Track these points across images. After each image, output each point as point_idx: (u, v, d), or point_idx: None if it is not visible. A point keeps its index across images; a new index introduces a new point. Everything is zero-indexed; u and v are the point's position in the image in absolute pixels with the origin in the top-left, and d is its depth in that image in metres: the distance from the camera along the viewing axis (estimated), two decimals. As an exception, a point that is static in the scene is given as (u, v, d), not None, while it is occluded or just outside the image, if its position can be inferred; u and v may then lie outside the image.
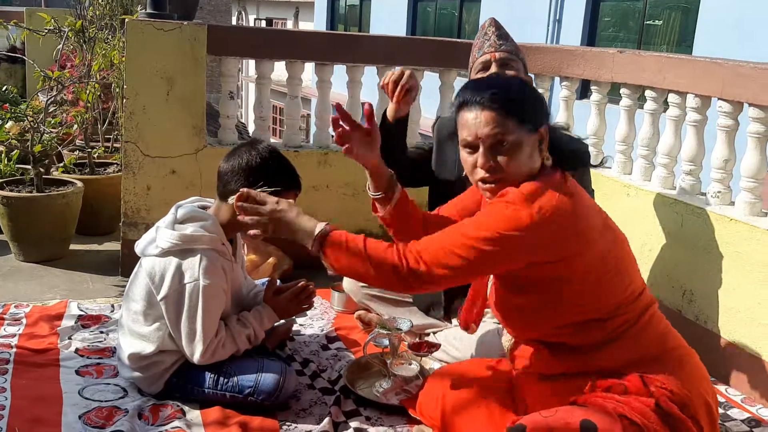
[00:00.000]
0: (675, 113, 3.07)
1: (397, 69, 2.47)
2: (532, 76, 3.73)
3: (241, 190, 1.91)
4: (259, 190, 2.14)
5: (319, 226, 1.84)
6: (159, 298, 2.20)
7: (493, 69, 2.55)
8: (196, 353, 2.21)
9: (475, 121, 1.79)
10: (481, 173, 1.81)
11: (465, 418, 1.98)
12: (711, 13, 8.48)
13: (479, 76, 2.58)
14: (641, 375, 1.77)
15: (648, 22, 9.72)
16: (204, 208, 2.36)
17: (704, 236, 2.79)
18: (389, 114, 2.56)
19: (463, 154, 1.85)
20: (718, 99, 2.82)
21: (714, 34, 8.25)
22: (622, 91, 3.33)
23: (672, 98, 3.07)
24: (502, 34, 2.62)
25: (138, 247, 2.31)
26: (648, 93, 3.20)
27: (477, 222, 1.78)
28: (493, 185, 1.81)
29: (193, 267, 2.18)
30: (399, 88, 2.45)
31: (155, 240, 2.24)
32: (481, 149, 1.80)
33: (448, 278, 1.77)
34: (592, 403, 1.75)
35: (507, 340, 2.08)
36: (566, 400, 1.80)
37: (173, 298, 2.19)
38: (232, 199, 2.20)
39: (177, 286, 2.18)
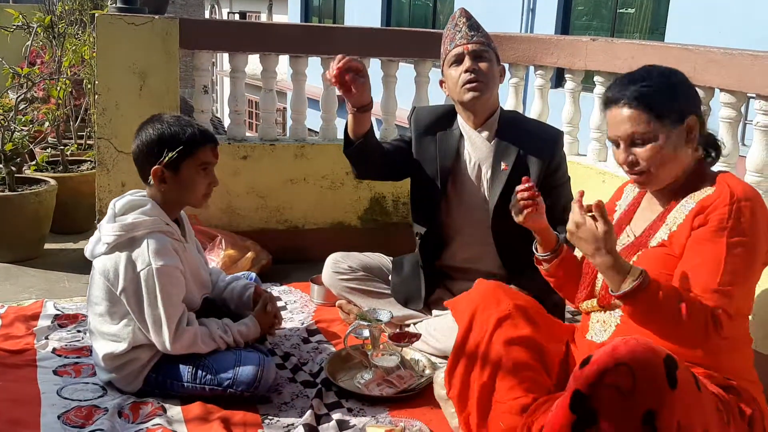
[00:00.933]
0: (648, 100, 3.10)
1: (337, 57, 2.39)
2: (506, 65, 3.75)
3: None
4: (166, 158, 2.19)
5: (636, 271, 1.71)
6: (118, 292, 2.19)
7: (467, 62, 2.54)
8: (165, 341, 2.19)
9: (614, 120, 1.84)
10: (625, 167, 1.86)
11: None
12: (682, 1, 8.57)
13: (454, 71, 2.57)
14: (753, 395, 1.76)
15: (621, 10, 9.80)
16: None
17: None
18: (350, 129, 2.50)
19: (613, 148, 1.91)
20: (690, 85, 2.85)
21: (685, 22, 8.35)
22: (596, 78, 3.36)
23: (645, 85, 3.10)
24: (473, 24, 2.61)
25: (87, 251, 2.30)
26: (621, 80, 3.22)
27: (726, 230, 1.71)
28: (638, 176, 1.84)
29: (142, 253, 2.18)
30: (345, 70, 2.35)
31: (101, 239, 2.23)
32: (621, 146, 1.84)
33: (731, 305, 1.70)
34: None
35: (606, 314, 1.92)
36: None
37: (131, 289, 2.18)
38: (150, 179, 2.23)
39: (132, 276, 2.17)
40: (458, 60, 2.57)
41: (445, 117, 2.72)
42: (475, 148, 2.64)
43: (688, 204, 1.79)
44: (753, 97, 2.67)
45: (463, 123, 2.67)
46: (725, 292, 1.68)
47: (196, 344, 2.25)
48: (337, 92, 3.78)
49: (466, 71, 2.53)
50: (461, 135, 2.67)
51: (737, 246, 1.69)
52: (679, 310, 1.66)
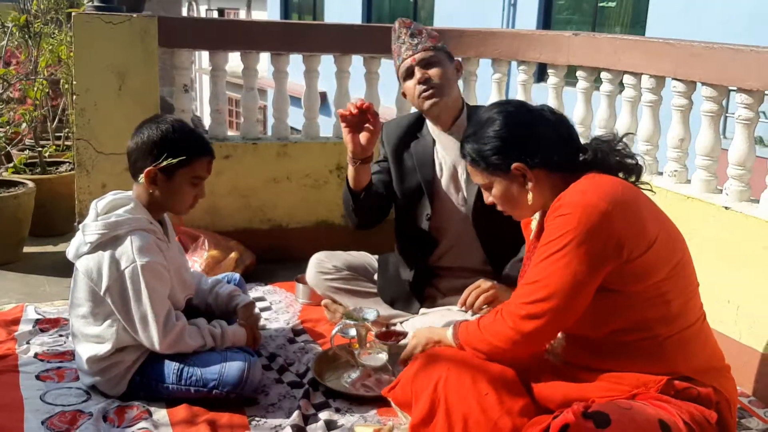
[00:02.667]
0: (630, 94, 3.11)
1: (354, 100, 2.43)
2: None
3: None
4: (165, 162, 2.17)
5: (449, 333, 1.95)
6: (102, 292, 2.16)
7: (417, 73, 2.53)
8: (154, 338, 2.17)
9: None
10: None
11: (468, 404, 1.82)
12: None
13: (408, 83, 2.57)
14: (714, 387, 1.73)
15: (602, 4, 9.85)
16: None
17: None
18: (353, 181, 2.51)
19: None
20: (672, 79, 2.87)
21: (666, 15, 8.40)
22: (579, 73, 3.36)
23: (627, 79, 3.11)
24: (413, 31, 2.58)
25: (69, 253, 2.26)
26: (604, 75, 3.23)
27: (549, 236, 1.72)
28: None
29: (126, 251, 2.15)
30: (367, 112, 2.39)
31: (83, 239, 2.20)
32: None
33: (559, 311, 1.70)
34: (651, 403, 1.67)
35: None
36: (622, 394, 1.72)
37: (116, 287, 2.15)
38: (141, 178, 2.19)
39: (116, 274, 2.15)
40: (409, 73, 2.57)
41: (414, 125, 2.72)
42: (449, 150, 2.63)
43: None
44: (734, 91, 2.69)
45: (432, 127, 2.67)
46: (531, 300, 1.72)
47: (184, 340, 2.22)
48: (319, 89, 3.76)
49: (419, 82, 2.53)
50: (433, 140, 2.67)
51: (555, 250, 1.69)
52: (481, 335, 1.83)
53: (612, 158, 1.81)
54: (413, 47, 2.55)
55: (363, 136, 2.41)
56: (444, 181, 2.64)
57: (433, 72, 2.53)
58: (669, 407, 1.65)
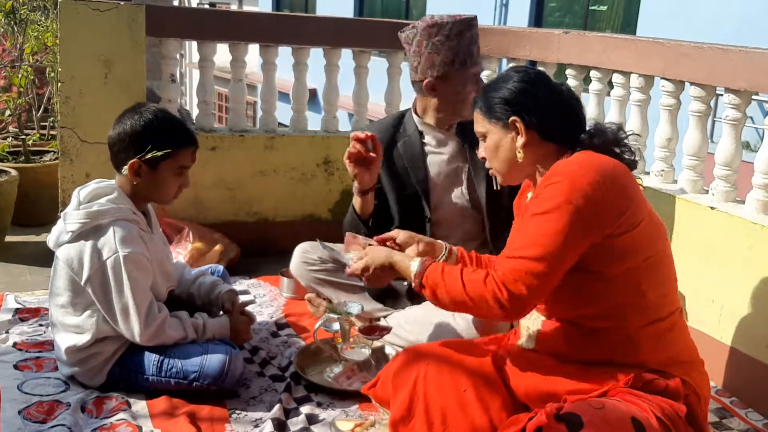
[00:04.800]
0: (619, 93, 3.11)
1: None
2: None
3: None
4: (150, 155, 2.14)
5: (414, 266, 1.88)
6: (83, 282, 2.13)
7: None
8: (135, 330, 2.14)
9: None
10: None
11: (446, 400, 1.82)
12: (653, -3, 8.68)
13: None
14: (683, 379, 1.73)
15: (593, 7, 9.88)
16: None
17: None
18: (359, 210, 2.51)
19: None
20: (661, 78, 2.87)
21: (656, 18, 8.44)
22: (568, 71, 3.36)
23: (616, 78, 3.11)
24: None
25: (50, 242, 2.23)
26: (593, 73, 3.23)
27: (540, 200, 1.71)
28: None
29: (108, 241, 2.12)
30: (370, 142, 2.35)
31: (65, 227, 2.17)
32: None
33: (544, 277, 1.67)
34: (623, 399, 1.66)
35: (529, 320, 1.93)
36: (592, 388, 1.72)
37: (97, 278, 2.12)
38: (124, 170, 2.16)
39: (98, 264, 2.12)
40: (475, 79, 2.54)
41: (398, 124, 2.68)
42: (441, 142, 2.62)
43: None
44: (721, 95, 2.69)
45: (421, 124, 2.64)
46: (519, 256, 1.70)
47: (165, 331, 2.20)
48: (308, 82, 3.73)
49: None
50: (420, 132, 2.64)
51: (544, 214, 1.69)
52: (462, 287, 1.74)
53: (611, 147, 1.82)
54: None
55: (368, 167, 2.38)
56: (439, 176, 2.62)
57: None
58: (641, 402, 1.65)
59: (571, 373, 1.77)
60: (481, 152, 1.94)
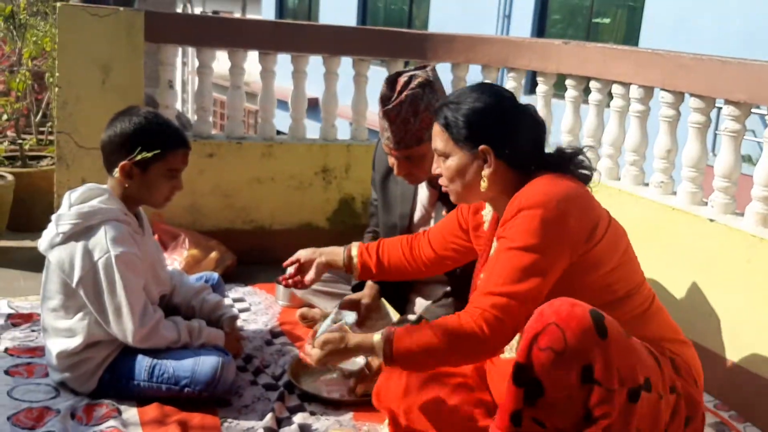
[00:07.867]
0: (619, 104, 3.10)
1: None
2: (479, 66, 3.73)
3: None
4: (139, 156, 2.13)
5: (377, 340, 1.75)
6: (74, 284, 2.11)
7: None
8: (128, 331, 2.12)
9: None
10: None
11: (434, 402, 1.83)
12: (655, 11, 8.68)
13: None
14: (671, 358, 1.72)
15: (596, 20, 9.90)
16: None
17: (646, 225, 2.82)
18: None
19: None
20: (661, 89, 2.86)
21: (659, 32, 8.45)
22: (568, 82, 3.35)
23: (616, 89, 3.10)
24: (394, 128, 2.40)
25: (41, 246, 2.21)
26: (593, 84, 3.22)
27: (511, 237, 1.69)
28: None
29: (100, 242, 2.11)
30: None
31: (56, 230, 2.16)
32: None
33: (523, 307, 1.65)
34: None
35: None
36: None
37: (89, 279, 2.10)
38: (116, 172, 2.16)
39: (89, 265, 2.10)
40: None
41: None
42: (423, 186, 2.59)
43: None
44: (721, 107, 2.68)
45: None
46: (499, 292, 1.67)
47: (159, 332, 2.18)
48: (307, 91, 3.72)
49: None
50: None
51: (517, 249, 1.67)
52: (437, 344, 1.67)
53: (568, 167, 1.82)
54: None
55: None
56: (417, 215, 2.62)
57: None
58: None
59: None
60: (437, 169, 1.86)
